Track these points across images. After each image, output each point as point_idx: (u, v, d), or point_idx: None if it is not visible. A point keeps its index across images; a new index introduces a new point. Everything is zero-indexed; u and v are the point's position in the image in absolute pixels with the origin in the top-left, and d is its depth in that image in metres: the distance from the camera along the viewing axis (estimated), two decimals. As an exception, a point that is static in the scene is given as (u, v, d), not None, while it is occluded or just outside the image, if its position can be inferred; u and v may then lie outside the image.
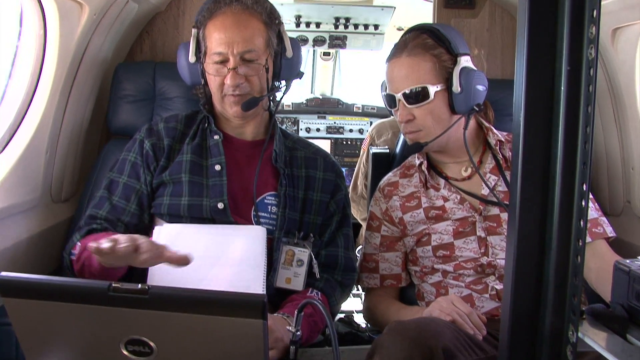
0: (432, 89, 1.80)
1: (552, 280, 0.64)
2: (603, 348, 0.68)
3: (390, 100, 1.89)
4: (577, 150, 0.62)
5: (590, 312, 0.73)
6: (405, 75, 1.84)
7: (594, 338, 0.68)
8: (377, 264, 1.96)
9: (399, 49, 1.87)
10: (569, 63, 0.63)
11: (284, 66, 1.86)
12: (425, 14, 3.17)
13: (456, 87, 1.80)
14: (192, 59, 1.85)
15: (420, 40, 1.85)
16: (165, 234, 1.75)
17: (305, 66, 4.78)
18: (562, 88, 0.63)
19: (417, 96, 1.82)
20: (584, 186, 0.62)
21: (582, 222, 0.64)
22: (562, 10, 0.66)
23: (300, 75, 1.92)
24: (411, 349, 1.35)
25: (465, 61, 1.83)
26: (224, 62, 1.78)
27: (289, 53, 1.86)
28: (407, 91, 1.82)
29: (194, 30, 1.85)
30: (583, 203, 0.63)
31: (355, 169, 2.91)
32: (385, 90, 1.92)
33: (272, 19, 1.83)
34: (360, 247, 2.27)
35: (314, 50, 4.73)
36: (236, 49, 1.76)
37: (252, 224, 1.81)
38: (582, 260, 0.65)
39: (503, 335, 0.67)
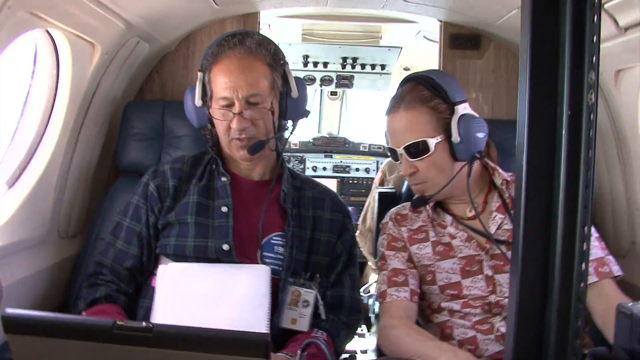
0: (432, 142, 1.80)
1: (554, 323, 0.64)
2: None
3: (393, 153, 1.90)
4: (579, 194, 0.63)
5: (592, 355, 0.72)
6: (405, 130, 1.84)
7: (597, 381, 0.67)
8: (407, 278, 1.89)
9: (396, 102, 1.88)
10: (569, 108, 0.64)
11: (290, 106, 1.87)
12: (431, 55, 3.20)
13: (455, 137, 1.80)
14: (198, 103, 1.86)
15: (416, 92, 1.85)
16: (170, 272, 1.76)
17: (312, 105, 4.81)
18: (564, 132, 0.64)
19: (418, 149, 1.81)
20: (585, 229, 0.62)
21: (583, 265, 0.64)
22: (562, 56, 0.67)
23: (306, 114, 1.93)
24: None
25: (462, 109, 1.82)
26: (229, 106, 1.78)
27: (295, 93, 1.87)
28: (408, 145, 1.83)
29: (199, 74, 1.86)
30: (585, 246, 0.63)
31: (366, 203, 2.92)
32: (388, 143, 1.93)
33: (276, 60, 1.84)
34: (366, 285, 2.27)
35: (321, 90, 4.77)
36: (241, 93, 1.76)
37: (258, 263, 1.81)
38: (584, 303, 0.65)
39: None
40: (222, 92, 1.78)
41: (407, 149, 1.83)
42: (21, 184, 2.06)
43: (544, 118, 0.66)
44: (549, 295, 0.65)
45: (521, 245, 0.65)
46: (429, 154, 1.81)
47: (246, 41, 1.81)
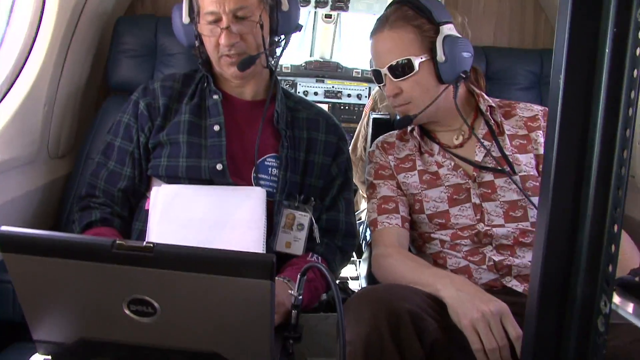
0: (417, 61, 1.79)
1: (585, 247, 0.62)
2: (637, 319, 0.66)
3: (377, 75, 1.88)
4: (619, 116, 0.60)
5: (620, 283, 0.71)
6: (389, 50, 1.83)
7: (626, 309, 0.66)
8: (397, 205, 1.90)
9: (381, 23, 1.86)
10: (615, 24, 0.60)
11: (281, 20, 1.82)
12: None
13: (440, 57, 1.79)
14: (185, 20, 1.82)
15: (401, 12, 1.83)
16: (163, 195, 1.73)
17: (305, 28, 4.72)
18: (607, 50, 0.60)
19: (402, 69, 1.80)
20: (625, 152, 0.59)
21: (620, 191, 0.62)
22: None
23: (299, 28, 1.88)
24: (377, 310, 1.39)
25: (447, 29, 1.81)
26: (217, 21, 1.74)
27: (285, 6, 1.82)
28: (392, 64, 1.81)
29: None
30: (623, 171, 0.60)
31: (356, 131, 2.89)
32: (372, 66, 1.90)
33: None
34: (357, 211, 2.26)
35: (315, 12, 4.66)
36: (228, 6, 1.71)
37: (252, 185, 1.79)
38: (620, 229, 0.62)
39: (532, 303, 0.65)
40: (209, 6, 1.73)
41: (391, 68, 1.82)
42: (8, 100, 1.99)
43: (585, 35, 0.61)
44: (581, 220, 0.62)
45: (554, 168, 0.62)
46: (413, 72, 1.80)
47: None
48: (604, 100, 0.60)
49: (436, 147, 1.91)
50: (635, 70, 0.58)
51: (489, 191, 1.82)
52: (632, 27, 0.58)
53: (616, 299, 0.63)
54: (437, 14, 1.82)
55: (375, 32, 1.88)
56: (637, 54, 0.58)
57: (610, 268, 0.61)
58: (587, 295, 0.62)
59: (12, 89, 2.01)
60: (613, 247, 0.61)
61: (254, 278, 1.05)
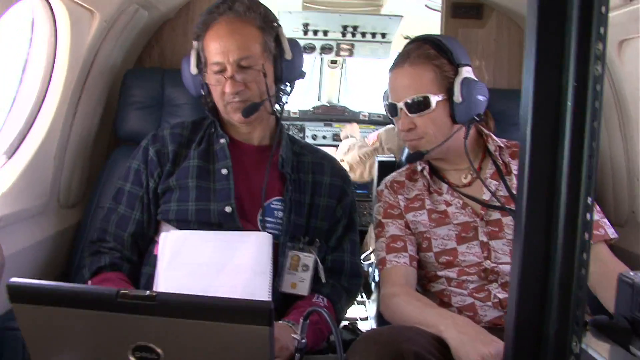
0: (434, 99, 1.81)
1: (556, 291, 0.65)
2: (606, 359, 0.68)
3: (392, 109, 1.89)
4: (583, 164, 0.63)
5: (593, 323, 0.73)
6: (408, 85, 1.84)
7: (597, 349, 0.68)
8: (405, 244, 1.91)
9: (402, 58, 1.88)
10: (575, 79, 0.64)
11: (285, 68, 1.87)
12: (433, 24, 3.18)
13: (457, 97, 1.80)
14: (193, 70, 1.88)
15: (422, 50, 1.86)
16: (171, 240, 1.76)
17: (312, 74, 4.79)
18: (569, 103, 0.64)
19: (419, 105, 1.82)
20: (589, 199, 0.63)
21: (586, 235, 0.64)
22: (569, 26, 0.67)
23: (302, 75, 1.93)
24: (383, 353, 1.39)
25: (466, 72, 1.83)
26: (222, 71, 1.80)
27: (288, 55, 1.87)
28: (409, 100, 1.83)
29: (194, 43, 1.87)
30: (588, 216, 0.64)
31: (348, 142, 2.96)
32: (388, 100, 1.92)
33: (267, 22, 1.85)
34: (367, 253, 2.27)
35: (321, 58, 4.74)
36: (232, 57, 1.77)
37: (259, 228, 1.81)
38: (587, 272, 0.65)
39: (507, 344, 0.68)
40: (214, 57, 1.80)
41: (407, 104, 1.83)
42: (20, 154, 2.05)
43: (550, 88, 0.65)
44: (552, 264, 0.65)
45: (524, 215, 0.66)
46: (429, 110, 1.82)
47: (235, 6, 1.82)
48: (569, 150, 0.63)
49: (445, 186, 1.93)
50: (595, 122, 0.62)
51: (497, 229, 1.84)
52: (591, 81, 0.62)
53: (590, 338, 0.66)
54: (458, 55, 1.84)
55: (396, 66, 1.90)
56: (597, 106, 0.62)
57: (578, 311, 0.64)
58: (559, 336, 0.65)
59: (23, 143, 2.07)
60: (581, 290, 0.64)
61: (253, 324, 1.07)
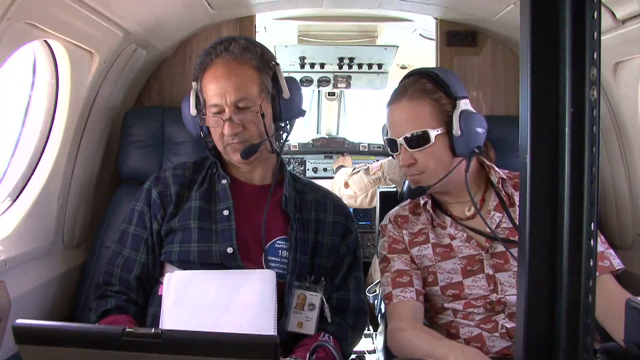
0: (433, 133, 1.81)
1: (564, 320, 0.64)
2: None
3: (392, 144, 1.89)
4: (584, 191, 0.63)
5: (604, 350, 0.72)
6: (406, 120, 1.84)
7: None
8: (411, 279, 1.90)
9: (399, 93, 1.89)
10: (572, 105, 0.65)
11: (283, 107, 1.87)
12: (428, 52, 3.20)
13: (456, 131, 1.80)
14: (193, 112, 1.88)
15: (419, 85, 1.86)
16: (175, 281, 1.76)
17: (310, 106, 4.82)
18: (567, 130, 0.64)
19: (418, 140, 1.82)
20: (592, 225, 0.63)
21: (591, 262, 0.65)
22: (563, 53, 0.67)
23: (302, 113, 1.93)
24: None
25: (464, 104, 1.83)
26: (220, 112, 1.80)
27: (286, 94, 1.87)
28: (408, 135, 1.83)
29: (193, 84, 1.88)
30: (592, 242, 0.64)
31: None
32: (387, 135, 1.92)
33: (264, 62, 1.85)
34: (372, 284, 2.26)
35: (319, 91, 4.77)
36: (229, 98, 1.78)
37: (263, 267, 1.81)
38: (594, 299, 0.65)
39: (518, 373, 0.68)
40: (212, 99, 1.80)
41: (407, 139, 1.83)
42: (25, 196, 2.06)
43: (546, 116, 0.66)
44: (558, 293, 0.65)
45: (528, 244, 0.66)
46: (429, 144, 1.81)
47: (231, 47, 1.82)
48: (569, 177, 0.64)
49: (448, 220, 1.92)
50: (594, 147, 0.62)
51: (502, 261, 1.83)
52: (588, 107, 0.63)
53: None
54: (455, 88, 1.84)
55: (393, 102, 1.90)
56: (595, 131, 0.63)
57: (587, 339, 0.64)
58: (570, 364, 0.64)
59: (27, 186, 2.08)
60: (588, 318, 0.64)
61: (258, 359, 1.07)
